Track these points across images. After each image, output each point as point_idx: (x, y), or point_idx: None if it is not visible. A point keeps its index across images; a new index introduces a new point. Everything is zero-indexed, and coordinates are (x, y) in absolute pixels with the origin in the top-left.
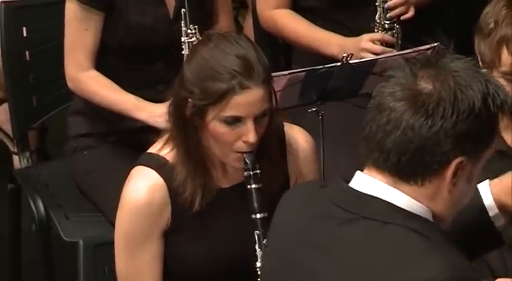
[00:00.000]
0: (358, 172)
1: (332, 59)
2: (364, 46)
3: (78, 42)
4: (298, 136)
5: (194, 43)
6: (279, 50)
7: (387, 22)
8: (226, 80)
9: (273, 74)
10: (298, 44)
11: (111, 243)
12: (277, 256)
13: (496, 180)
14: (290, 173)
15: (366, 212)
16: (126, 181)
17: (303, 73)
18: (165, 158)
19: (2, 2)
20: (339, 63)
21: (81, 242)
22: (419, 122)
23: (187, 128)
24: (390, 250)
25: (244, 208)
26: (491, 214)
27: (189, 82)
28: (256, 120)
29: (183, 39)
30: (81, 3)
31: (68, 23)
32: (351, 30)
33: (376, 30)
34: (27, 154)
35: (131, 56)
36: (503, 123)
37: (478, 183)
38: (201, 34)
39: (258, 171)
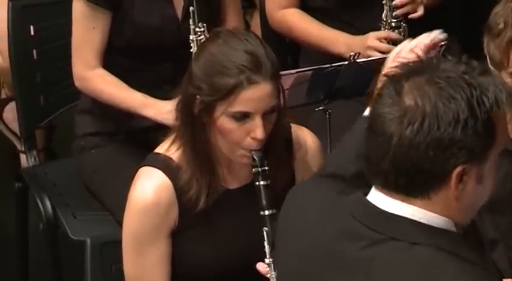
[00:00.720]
0: (373, 189)
1: (339, 57)
2: (371, 44)
3: (85, 40)
4: (305, 137)
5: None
6: (286, 48)
7: (394, 20)
8: (235, 75)
9: (280, 72)
10: (307, 43)
11: (118, 242)
12: (298, 262)
13: None
14: (296, 174)
15: (392, 231)
16: (133, 181)
17: (310, 72)
18: (171, 158)
19: (10, 0)
20: (346, 62)
21: (88, 241)
22: (408, 140)
23: (195, 126)
24: (420, 275)
25: (250, 209)
26: None
27: (197, 78)
28: (265, 116)
29: (191, 37)
30: (88, 1)
31: (76, 22)
32: (358, 29)
33: (382, 29)
34: (35, 152)
35: (138, 56)
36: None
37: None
38: (209, 32)
39: (266, 168)
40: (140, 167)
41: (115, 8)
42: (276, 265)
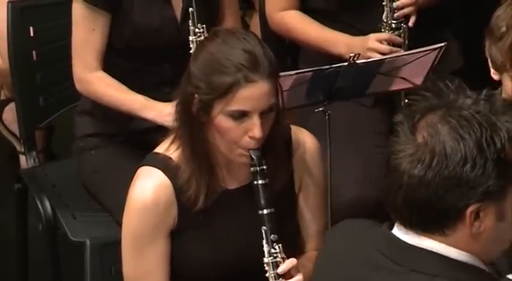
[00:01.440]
0: (397, 223)
1: (339, 58)
2: (371, 46)
3: (85, 42)
4: (304, 138)
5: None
6: (285, 50)
7: (394, 22)
8: (232, 73)
9: (280, 74)
10: (307, 45)
11: (118, 243)
12: None
13: None
14: (295, 175)
15: (414, 264)
16: (132, 181)
17: (310, 73)
18: (170, 158)
19: (9, 1)
20: (345, 63)
21: (88, 242)
22: (417, 179)
23: (193, 125)
24: None
25: (249, 210)
26: None
27: (195, 77)
28: (263, 115)
29: (190, 38)
30: (88, 3)
31: (75, 23)
32: (359, 31)
33: (383, 30)
34: (34, 153)
35: (138, 57)
36: None
37: None
38: (208, 33)
39: (264, 167)
40: (139, 167)
41: (114, 10)
42: None
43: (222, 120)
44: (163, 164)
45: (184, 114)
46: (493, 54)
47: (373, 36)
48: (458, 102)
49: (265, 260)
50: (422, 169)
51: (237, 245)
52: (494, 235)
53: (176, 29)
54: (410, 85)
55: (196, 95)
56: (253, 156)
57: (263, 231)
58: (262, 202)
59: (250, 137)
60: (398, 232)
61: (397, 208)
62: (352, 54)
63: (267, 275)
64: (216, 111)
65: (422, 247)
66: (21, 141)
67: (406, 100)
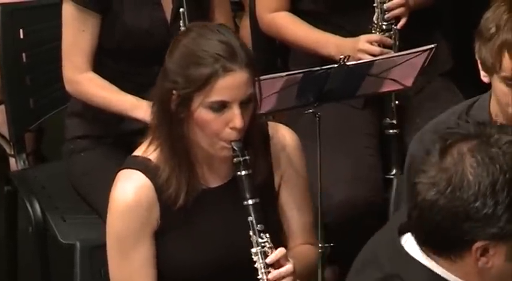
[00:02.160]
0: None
1: (330, 60)
2: (362, 47)
3: (75, 44)
4: (283, 133)
5: None
6: (276, 51)
7: (385, 23)
8: (210, 64)
9: (271, 75)
10: (297, 46)
11: None
12: None
13: None
14: (275, 169)
15: (403, 271)
16: (113, 184)
17: (300, 75)
18: (149, 159)
19: None
20: (336, 65)
21: (77, 244)
22: (429, 202)
23: (172, 123)
24: None
25: (232, 206)
26: None
27: (172, 73)
28: (242, 105)
29: None
30: (77, 4)
31: (65, 25)
32: (349, 32)
33: (373, 32)
34: (24, 156)
35: (128, 59)
36: None
37: None
38: None
39: (247, 157)
40: (119, 170)
41: (104, 11)
42: None
43: (202, 113)
44: (143, 166)
45: (162, 112)
46: (483, 56)
47: (363, 38)
48: (494, 137)
49: (253, 250)
50: (436, 193)
51: (222, 243)
52: (502, 274)
53: (166, 31)
54: (400, 87)
55: (174, 91)
56: (235, 147)
57: (249, 222)
58: (247, 192)
59: (231, 128)
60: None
61: (412, 225)
62: (342, 56)
63: (255, 265)
64: (196, 105)
65: (423, 262)
66: (11, 143)
67: (397, 101)
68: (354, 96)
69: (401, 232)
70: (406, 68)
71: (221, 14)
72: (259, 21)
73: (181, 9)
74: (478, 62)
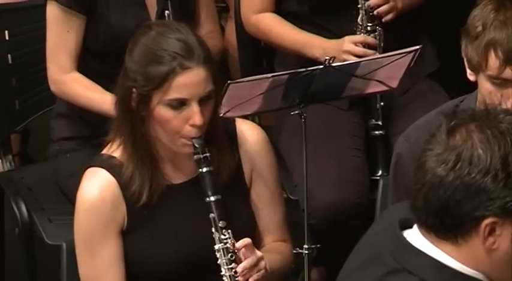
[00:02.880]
0: (415, 225)
1: (315, 61)
2: (346, 48)
3: (60, 44)
4: (249, 129)
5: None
6: (261, 52)
7: (369, 25)
8: (167, 62)
9: (256, 77)
10: (282, 47)
11: None
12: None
13: None
14: (244, 167)
15: (410, 264)
16: (80, 183)
17: (286, 76)
18: (114, 157)
19: None
20: (321, 66)
21: (64, 246)
22: (438, 179)
23: (133, 120)
24: None
25: (197, 203)
26: None
27: (132, 71)
28: (202, 102)
29: None
30: (62, 5)
31: (50, 25)
32: (334, 34)
33: (358, 33)
34: (10, 157)
35: (113, 60)
36: None
37: None
38: None
39: (208, 154)
40: (86, 169)
41: (89, 12)
42: None
43: (161, 111)
44: (107, 164)
45: (123, 110)
46: (469, 54)
47: (348, 39)
48: (499, 116)
49: (216, 247)
50: (445, 169)
51: (186, 239)
52: (507, 257)
53: None
54: (385, 88)
55: (134, 89)
56: (195, 144)
57: (211, 218)
58: (208, 188)
59: (191, 125)
60: (411, 233)
61: (416, 208)
62: (327, 57)
63: (218, 262)
64: (155, 103)
65: (427, 252)
66: None
67: (382, 103)
68: (339, 98)
69: (402, 228)
70: (392, 70)
71: (206, 16)
72: (244, 23)
73: (166, 12)
74: (465, 60)
